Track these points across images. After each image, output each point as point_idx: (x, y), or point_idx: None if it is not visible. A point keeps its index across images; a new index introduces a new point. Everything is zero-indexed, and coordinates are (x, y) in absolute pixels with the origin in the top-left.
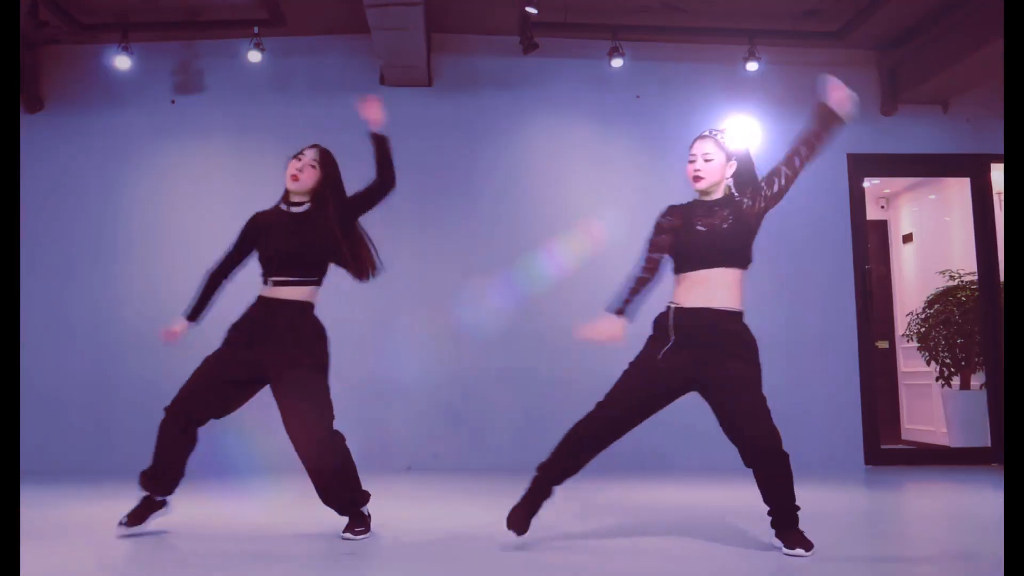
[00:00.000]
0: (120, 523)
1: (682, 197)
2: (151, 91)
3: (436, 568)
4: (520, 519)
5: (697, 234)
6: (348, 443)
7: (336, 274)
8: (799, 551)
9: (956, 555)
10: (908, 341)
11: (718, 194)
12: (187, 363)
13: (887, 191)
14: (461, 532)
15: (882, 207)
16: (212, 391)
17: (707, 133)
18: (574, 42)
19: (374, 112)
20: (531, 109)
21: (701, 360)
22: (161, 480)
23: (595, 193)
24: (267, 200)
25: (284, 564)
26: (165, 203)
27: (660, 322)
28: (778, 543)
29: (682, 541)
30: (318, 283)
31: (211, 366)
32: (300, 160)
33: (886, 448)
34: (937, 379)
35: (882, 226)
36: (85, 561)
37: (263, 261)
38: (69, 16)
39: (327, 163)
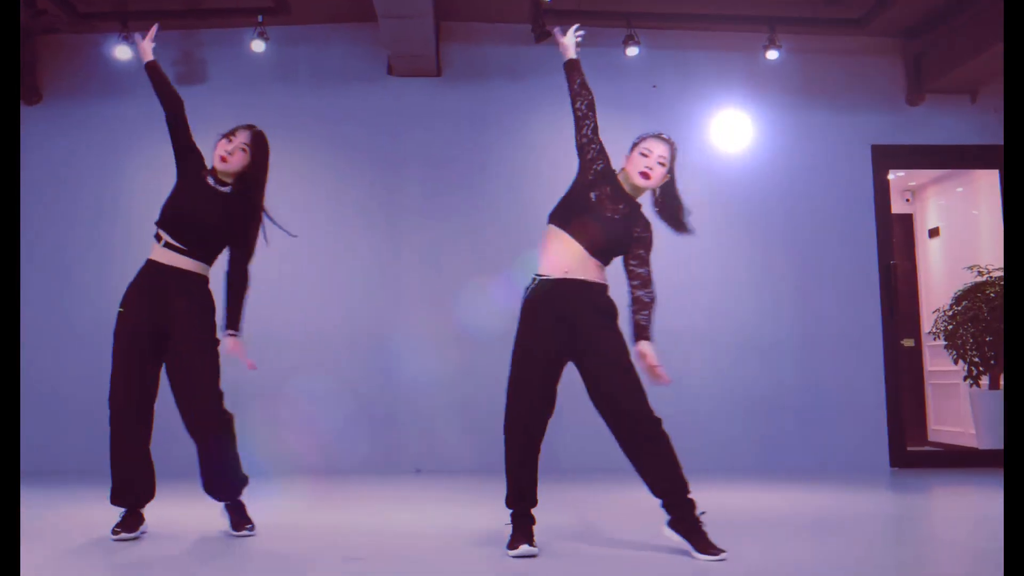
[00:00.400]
0: (114, 532)
1: (698, 191)
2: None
3: (446, 572)
4: (522, 540)
5: (590, 200)
6: (357, 445)
7: (345, 273)
8: (710, 556)
9: (979, 560)
10: (935, 339)
11: (638, 193)
12: None
13: (913, 184)
14: (471, 536)
15: (907, 200)
16: (139, 376)
17: (665, 137)
18: (588, 30)
19: None
20: (543, 100)
21: (572, 329)
22: (139, 491)
23: None
24: (275, 194)
25: (290, 567)
26: (165, 196)
27: (529, 294)
28: (668, 540)
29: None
30: (210, 264)
31: (125, 356)
32: (231, 141)
33: (912, 450)
34: (965, 378)
35: (907, 220)
36: (86, 563)
37: (169, 216)
38: (68, 5)
39: (259, 147)
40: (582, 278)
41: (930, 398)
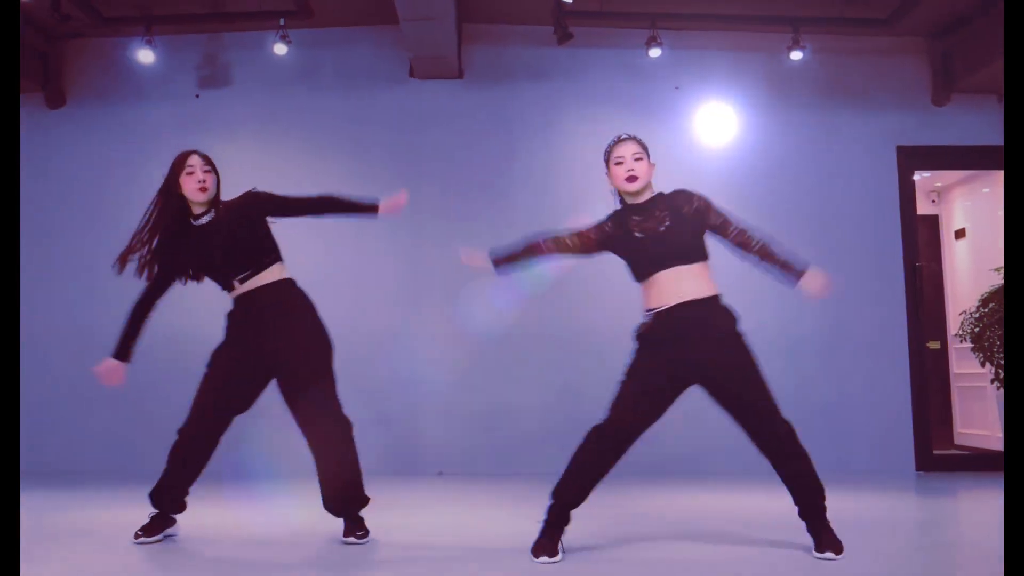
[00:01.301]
0: (136, 536)
1: (722, 192)
2: (175, 85)
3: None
4: (546, 547)
5: (638, 241)
6: (375, 447)
7: (365, 274)
8: (828, 554)
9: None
10: (961, 341)
11: (646, 196)
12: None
13: (939, 185)
14: (491, 540)
15: (933, 201)
16: (224, 406)
17: (625, 136)
18: (610, 31)
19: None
20: (565, 102)
21: (693, 354)
22: (176, 498)
23: None
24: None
25: (317, 569)
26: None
27: (643, 330)
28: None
29: (713, 548)
30: (279, 259)
31: (216, 381)
32: (193, 172)
33: (938, 453)
34: (992, 381)
35: (933, 221)
36: (91, 566)
37: (211, 276)
38: (92, 9)
39: (213, 165)
40: (695, 297)
41: (956, 401)
